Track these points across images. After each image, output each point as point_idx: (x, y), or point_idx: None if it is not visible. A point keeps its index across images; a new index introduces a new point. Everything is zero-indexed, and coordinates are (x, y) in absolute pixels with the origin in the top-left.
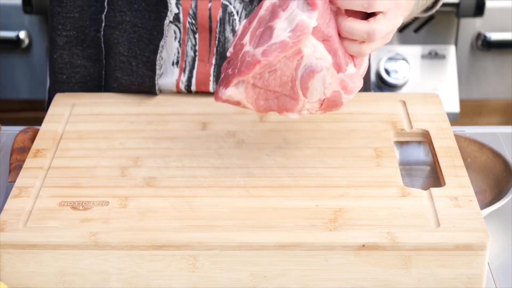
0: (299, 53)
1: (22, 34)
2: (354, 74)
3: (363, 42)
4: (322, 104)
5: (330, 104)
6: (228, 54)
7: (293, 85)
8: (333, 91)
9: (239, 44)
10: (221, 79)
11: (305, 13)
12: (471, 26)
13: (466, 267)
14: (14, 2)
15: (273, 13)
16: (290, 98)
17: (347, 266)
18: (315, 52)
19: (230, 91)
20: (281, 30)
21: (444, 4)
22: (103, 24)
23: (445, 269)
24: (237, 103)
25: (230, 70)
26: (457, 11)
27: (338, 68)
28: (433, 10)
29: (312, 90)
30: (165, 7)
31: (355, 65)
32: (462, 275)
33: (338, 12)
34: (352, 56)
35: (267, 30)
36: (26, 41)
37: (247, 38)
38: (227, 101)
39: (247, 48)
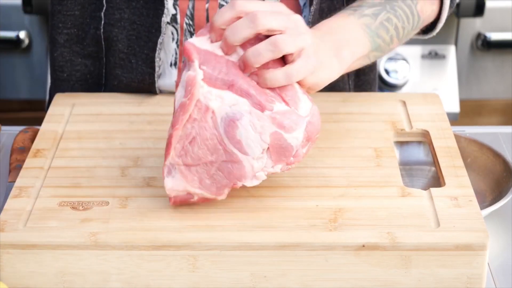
0: (207, 109)
1: (22, 34)
2: (288, 111)
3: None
4: (272, 156)
5: (279, 151)
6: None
7: (224, 146)
8: (271, 134)
9: None
10: None
11: (190, 70)
12: (471, 26)
13: (466, 267)
14: (14, 2)
15: (178, 88)
16: (231, 162)
17: (347, 266)
18: (224, 101)
19: (168, 183)
20: (180, 97)
21: None
22: (102, 22)
23: (445, 269)
24: (189, 196)
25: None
26: (457, 11)
27: (260, 107)
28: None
29: (247, 141)
30: (161, 4)
31: (287, 104)
32: (462, 275)
33: (253, 73)
34: (280, 95)
35: (175, 105)
36: (26, 41)
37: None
38: (176, 198)
39: (169, 130)
